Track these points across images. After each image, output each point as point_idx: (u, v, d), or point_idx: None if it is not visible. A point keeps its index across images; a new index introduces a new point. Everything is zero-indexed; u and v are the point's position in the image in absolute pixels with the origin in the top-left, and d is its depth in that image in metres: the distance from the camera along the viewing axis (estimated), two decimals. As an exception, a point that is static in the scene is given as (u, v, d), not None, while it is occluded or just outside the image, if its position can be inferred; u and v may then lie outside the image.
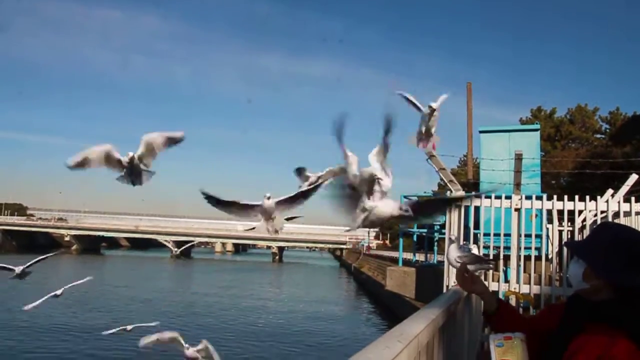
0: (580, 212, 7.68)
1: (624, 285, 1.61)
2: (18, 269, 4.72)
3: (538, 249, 8.22)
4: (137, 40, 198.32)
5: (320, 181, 2.96)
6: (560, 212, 7.88)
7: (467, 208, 7.73)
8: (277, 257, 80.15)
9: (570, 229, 8.90)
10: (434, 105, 3.05)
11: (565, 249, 8.28)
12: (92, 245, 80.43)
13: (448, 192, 7.85)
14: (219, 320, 17.85)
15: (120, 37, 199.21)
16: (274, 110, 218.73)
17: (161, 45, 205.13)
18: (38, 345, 12.81)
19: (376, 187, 2.10)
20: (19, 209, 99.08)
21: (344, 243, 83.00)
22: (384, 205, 2.12)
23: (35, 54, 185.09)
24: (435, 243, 20.69)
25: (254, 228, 2.88)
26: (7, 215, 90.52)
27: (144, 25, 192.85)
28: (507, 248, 7.56)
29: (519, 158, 7.65)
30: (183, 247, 78.35)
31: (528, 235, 7.95)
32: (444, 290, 6.49)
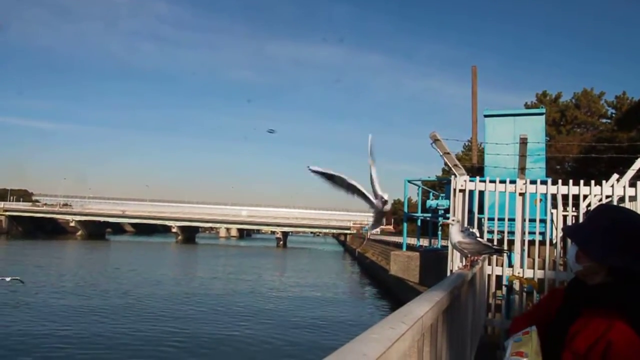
0: (585, 196, 7.67)
1: (612, 266, 1.60)
2: None
3: (542, 233, 8.21)
4: (145, 26, 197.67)
5: None
6: (565, 197, 7.85)
7: (471, 192, 7.71)
8: (281, 242, 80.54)
9: (575, 214, 8.89)
10: None
11: (569, 234, 8.28)
12: (97, 231, 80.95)
13: (452, 177, 7.83)
14: (224, 304, 17.98)
15: (128, 23, 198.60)
16: (281, 96, 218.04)
17: (168, 31, 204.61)
18: (40, 327, 12.95)
19: None
20: (24, 195, 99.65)
21: (348, 228, 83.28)
22: None
23: (42, 41, 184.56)
24: (440, 228, 20.71)
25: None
26: (12, 201, 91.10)
27: (151, 11, 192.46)
28: (512, 233, 7.56)
29: (523, 142, 7.60)
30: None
31: (532, 220, 7.94)
32: (448, 274, 6.50)
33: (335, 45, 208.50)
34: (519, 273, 7.36)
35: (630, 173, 7.95)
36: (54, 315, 14.48)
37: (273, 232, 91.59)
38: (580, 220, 7.53)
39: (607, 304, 1.55)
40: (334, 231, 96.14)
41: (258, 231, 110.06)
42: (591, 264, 1.65)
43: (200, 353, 11.45)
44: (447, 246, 8.10)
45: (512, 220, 7.53)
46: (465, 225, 6.75)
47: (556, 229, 8.63)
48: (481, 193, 8.02)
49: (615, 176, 8.31)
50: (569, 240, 7.79)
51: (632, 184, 7.49)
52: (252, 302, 18.89)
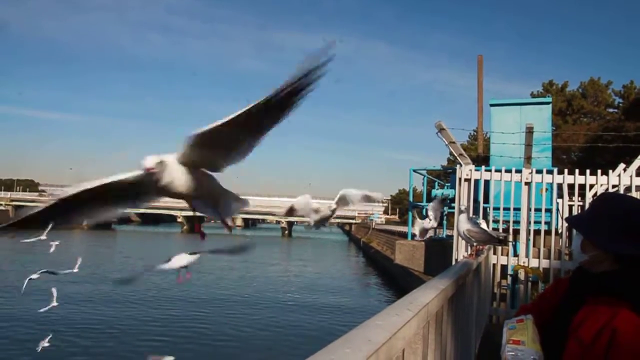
0: (592, 186, 7.63)
1: (617, 253, 1.59)
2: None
3: (548, 223, 8.19)
4: (154, 17, 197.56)
5: None
6: (571, 187, 7.82)
7: (476, 182, 7.69)
8: (286, 232, 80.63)
9: (581, 203, 8.85)
10: None
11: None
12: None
13: (458, 166, 7.81)
14: (229, 294, 18.07)
15: (137, 14, 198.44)
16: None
17: (177, 22, 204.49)
18: (48, 317, 13.07)
19: None
20: (30, 185, 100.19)
21: (353, 218, 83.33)
22: None
23: (49, 32, 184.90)
24: (445, 217, 20.69)
25: None
26: (19, 191, 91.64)
27: (161, 1, 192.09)
28: (517, 222, 7.55)
29: (529, 131, 7.56)
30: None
31: (538, 210, 7.91)
32: (453, 263, 6.51)
33: (343, 36, 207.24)
34: (524, 262, 7.36)
35: (637, 162, 7.90)
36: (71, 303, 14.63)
37: (278, 222, 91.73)
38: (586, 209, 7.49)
39: (612, 291, 1.54)
40: (339, 221, 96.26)
41: (263, 221, 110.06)
42: (597, 252, 1.64)
43: (208, 339, 11.56)
44: (453, 235, 8.10)
45: (517, 209, 7.51)
46: (471, 214, 6.74)
47: (562, 218, 8.61)
48: (487, 182, 8.00)
49: (622, 166, 8.27)
50: (573, 230, 7.77)
51: (639, 173, 7.45)
52: (259, 290, 18.98)
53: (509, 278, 7.52)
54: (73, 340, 11.04)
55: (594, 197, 8.05)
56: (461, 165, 7.67)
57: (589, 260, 1.68)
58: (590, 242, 1.66)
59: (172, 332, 12.05)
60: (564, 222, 7.70)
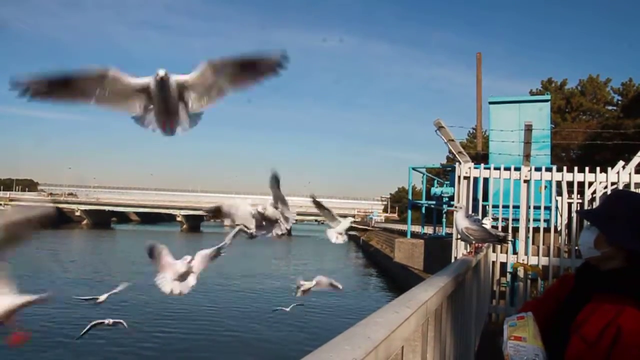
0: (590, 183, 7.63)
1: (632, 251, 1.58)
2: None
3: (547, 220, 8.19)
4: (153, 15, 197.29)
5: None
6: (570, 184, 7.83)
7: (476, 180, 7.69)
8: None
9: (580, 201, 8.86)
10: None
11: (574, 221, 8.27)
12: (102, 220, 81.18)
13: (457, 164, 7.81)
14: (229, 293, 18.08)
15: (136, 12, 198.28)
16: (290, 85, 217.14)
17: (176, 20, 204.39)
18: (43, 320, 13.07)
19: None
20: (29, 185, 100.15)
21: (353, 216, 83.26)
22: None
23: (47, 30, 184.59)
24: (444, 215, 20.70)
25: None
26: (18, 191, 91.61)
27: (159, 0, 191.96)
28: (516, 220, 7.55)
29: (528, 129, 7.55)
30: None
31: (537, 207, 7.92)
32: (452, 261, 6.51)
33: (345, 34, 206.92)
34: (523, 260, 7.36)
35: (636, 160, 7.91)
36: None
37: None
38: (586, 206, 7.50)
39: (620, 289, 1.53)
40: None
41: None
42: (609, 249, 1.63)
43: (208, 335, 11.58)
44: (452, 233, 8.10)
45: (516, 207, 7.52)
46: (470, 212, 6.75)
47: (561, 216, 8.61)
48: (486, 180, 8.00)
49: (621, 163, 8.27)
50: (573, 228, 7.74)
51: (638, 170, 7.46)
52: (256, 291, 18.98)
53: (509, 275, 7.53)
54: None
55: (594, 195, 8.07)
56: (460, 163, 7.67)
57: (599, 256, 1.66)
58: (607, 239, 1.64)
59: (172, 328, 12.05)
60: (578, 216, 7.71)
